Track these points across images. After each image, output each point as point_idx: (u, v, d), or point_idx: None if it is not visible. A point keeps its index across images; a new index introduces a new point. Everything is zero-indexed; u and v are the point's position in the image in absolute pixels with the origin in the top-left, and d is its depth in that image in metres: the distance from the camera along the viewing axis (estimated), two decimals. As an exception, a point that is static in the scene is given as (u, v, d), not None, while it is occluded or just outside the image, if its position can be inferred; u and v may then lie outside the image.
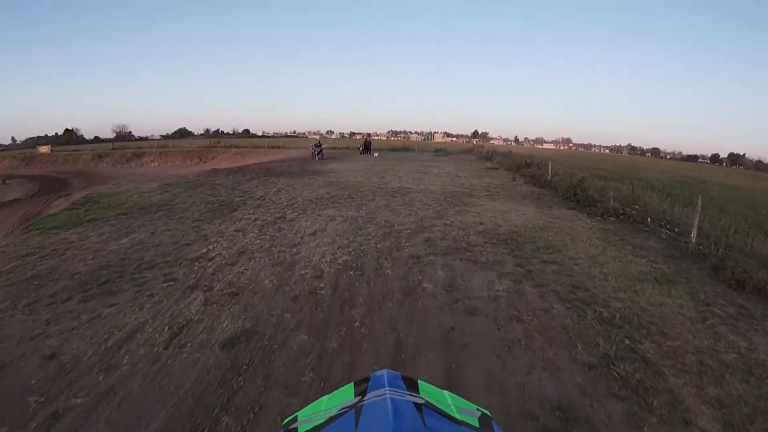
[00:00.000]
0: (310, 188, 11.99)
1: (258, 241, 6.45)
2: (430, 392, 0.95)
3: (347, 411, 0.83)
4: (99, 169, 35.32)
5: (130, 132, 78.04)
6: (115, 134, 75.21)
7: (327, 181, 13.87)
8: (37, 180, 31.39)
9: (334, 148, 38.82)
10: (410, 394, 0.89)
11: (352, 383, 1.01)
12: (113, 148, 40.19)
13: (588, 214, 9.31)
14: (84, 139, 67.17)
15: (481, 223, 7.90)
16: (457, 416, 0.86)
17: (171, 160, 36.44)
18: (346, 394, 0.96)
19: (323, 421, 0.83)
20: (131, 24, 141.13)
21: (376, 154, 30.91)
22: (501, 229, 7.46)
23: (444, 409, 0.87)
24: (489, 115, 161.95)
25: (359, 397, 0.90)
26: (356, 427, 0.76)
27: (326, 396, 1.00)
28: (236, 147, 39.07)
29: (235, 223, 7.63)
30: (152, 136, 79.36)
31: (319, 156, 24.93)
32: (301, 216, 8.24)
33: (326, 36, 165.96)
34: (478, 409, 0.93)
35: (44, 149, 40.09)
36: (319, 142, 26.99)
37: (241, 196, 10.44)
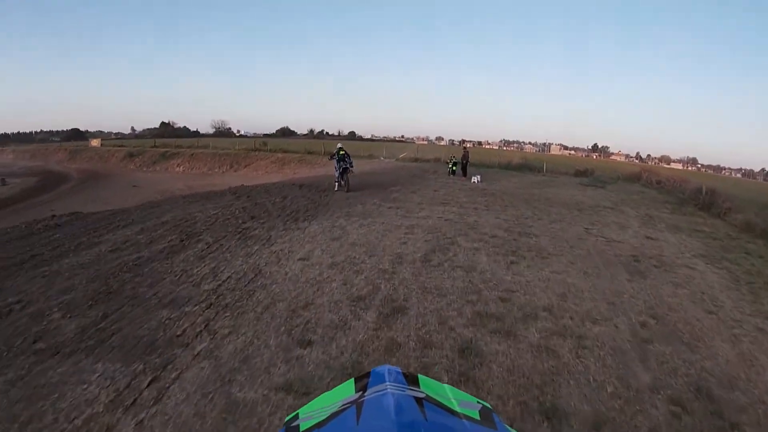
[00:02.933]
0: None
1: None
2: (430, 386, 0.92)
3: (348, 407, 0.81)
4: (120, 170, 28.58)
5: (230, 128, 76.50)
6: (214, 129, 74.34)
7: None
8: (45, 180, 25.58)
9: (417, 159, 25.51)
10: (411, 389, 0.87)
11: (353, 379, 0.97)
12: (155, 146, 33.82)
13: None
14: (177, 132, 66.72)
15: None
16: (458, 409, 0.84)
17: (198, 166, 27.87)
18: (346, 390, 0.92)
19: (325, 417, 0.81)
20: (242, 19, 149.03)
21: (475, 179, 16.64)
22: None
23: (444, 402, 0.85)
24: (606, 127, 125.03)
25: (360, 393, 0.87)
26: (358, 423, 0.75)
27: (327, 392, 0.97)
28: (284, 151, 28.72)
29: None
30: (255, 133, 77.16)
31: (343, 180, 11.75)
32: None
33: (450, 36, 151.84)
34: (478, 402, 0.91)
35: (95, 143, 36.39)
36: (343, 152, 12.09)
37: None
